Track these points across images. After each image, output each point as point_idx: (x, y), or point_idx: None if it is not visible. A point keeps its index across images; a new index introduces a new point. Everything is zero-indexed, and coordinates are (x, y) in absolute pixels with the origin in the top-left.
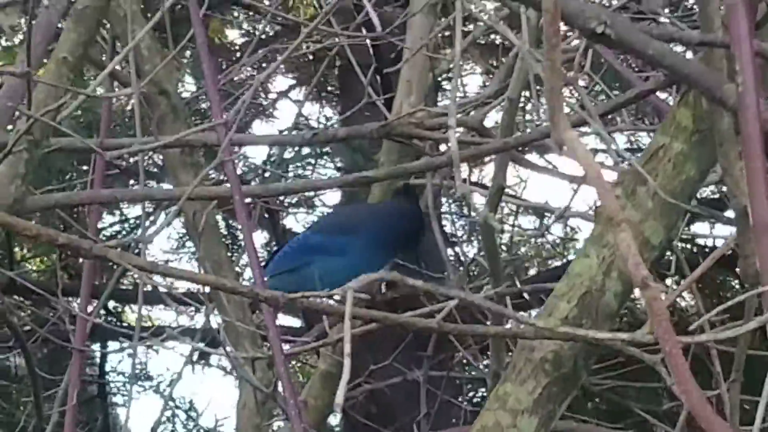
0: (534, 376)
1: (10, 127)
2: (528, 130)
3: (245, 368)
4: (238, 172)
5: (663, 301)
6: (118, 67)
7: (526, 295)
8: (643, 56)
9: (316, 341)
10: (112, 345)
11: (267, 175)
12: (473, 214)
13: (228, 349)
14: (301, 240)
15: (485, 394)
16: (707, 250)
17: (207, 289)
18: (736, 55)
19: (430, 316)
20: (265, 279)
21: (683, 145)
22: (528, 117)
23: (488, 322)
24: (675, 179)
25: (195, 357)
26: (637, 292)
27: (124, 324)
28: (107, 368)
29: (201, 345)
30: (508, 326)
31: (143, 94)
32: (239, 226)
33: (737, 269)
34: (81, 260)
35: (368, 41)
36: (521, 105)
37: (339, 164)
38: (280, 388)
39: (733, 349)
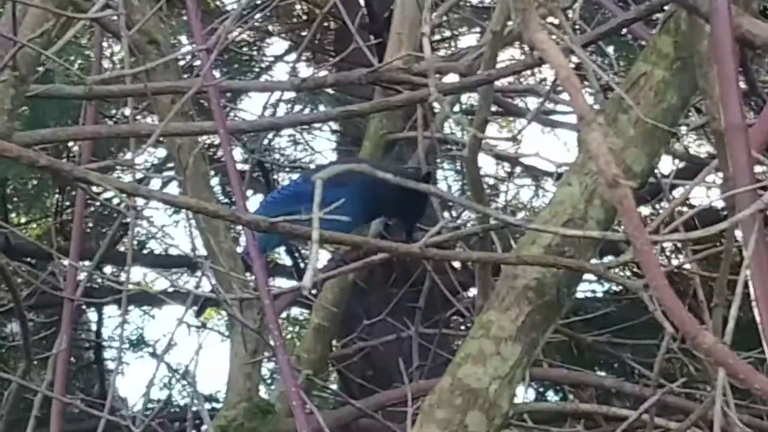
0: (517, 304)
1: None
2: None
3: (234, 309)
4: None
5: (633, 199)
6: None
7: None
8: None
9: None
10: (109, 310)
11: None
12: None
13: (215, 289)
14: (292, 187)
15: None
16: (703, 213)
17: (202, 249)
18: None
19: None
20: None
21: (664, 72)
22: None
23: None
24: (657, 107)
25: (192, 312)
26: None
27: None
28: (104, 336)
29: (194, 290)
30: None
31: (134, 43)
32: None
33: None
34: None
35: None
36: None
37: (335, 126)
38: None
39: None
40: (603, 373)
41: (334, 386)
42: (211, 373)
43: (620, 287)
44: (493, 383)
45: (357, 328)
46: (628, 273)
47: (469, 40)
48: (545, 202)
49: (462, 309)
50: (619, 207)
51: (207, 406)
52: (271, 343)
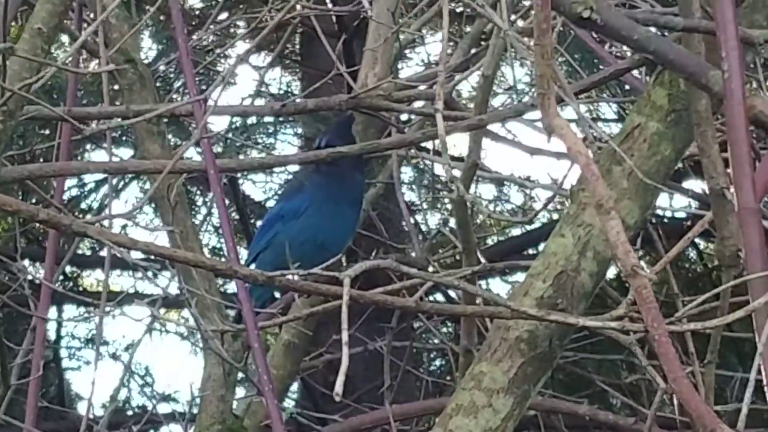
0: (509, 356)
1: None
2: (502, 104)
3: (215, 341)
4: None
5: (651, 290)
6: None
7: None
8: (628, 41)
9: (282, 312)
10: (68, 309)
11: (229, 142)
12: (448, 188)
13: (196, 320)
14: (265, 217)
15: (444, 363)
16: (665, 220)
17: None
18: (721, 41)
19: (397, 291)
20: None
21: (658, 125)
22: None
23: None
24: (650, 159)
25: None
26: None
27: (80, 288)
28: (63, 334)
29: (162, 312)
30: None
31: (111, 62)
32: (196, 190)
33: (698, 243)
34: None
35: (331, 7)
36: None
37: (300, 130)
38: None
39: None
40: (565, 379)
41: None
42: (170, 370)
43: None
44: None
45: (323, 338)
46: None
47: (436, 47)
48: (508, 209)
49: (430, 327)
50: (637, 296)
51: (165, 407)
52: (255, 380)
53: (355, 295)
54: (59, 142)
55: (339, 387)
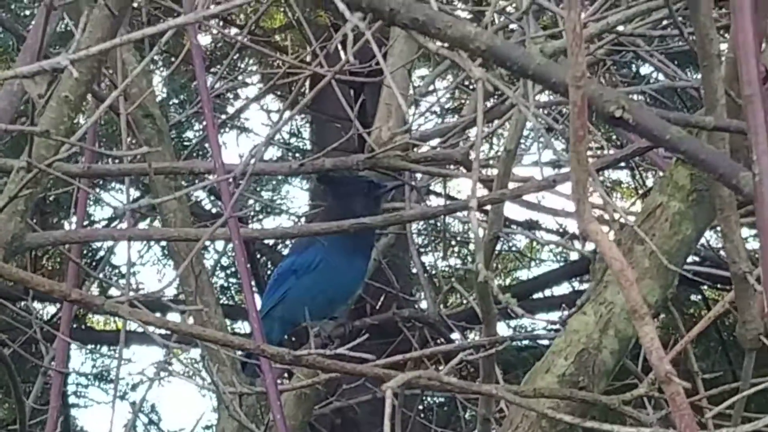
0: None
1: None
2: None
3: (233, 404)
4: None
5: (684, 396)
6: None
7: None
8: (660, 141)
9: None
10: (74, 347)
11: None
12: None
13: (215, 385)
14: (276, 272)
15: (450, 408)
16: None
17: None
18: (753, 144)
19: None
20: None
21: (680, 204)
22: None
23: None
24: (672, 239)
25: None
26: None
27: (88, 326)
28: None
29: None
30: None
31: (130, 117)
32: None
33: (702, 287)
34: (50, 262)
35: (343, 55)
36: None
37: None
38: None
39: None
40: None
41: None
42: (175, 408)
43: None
44: None
45: (332, 385)
46: None
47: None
48: (512, 251)
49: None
50: (671, 403)
51: None
52: None
53: (381, 374)
54: (77, 197)
55: None
